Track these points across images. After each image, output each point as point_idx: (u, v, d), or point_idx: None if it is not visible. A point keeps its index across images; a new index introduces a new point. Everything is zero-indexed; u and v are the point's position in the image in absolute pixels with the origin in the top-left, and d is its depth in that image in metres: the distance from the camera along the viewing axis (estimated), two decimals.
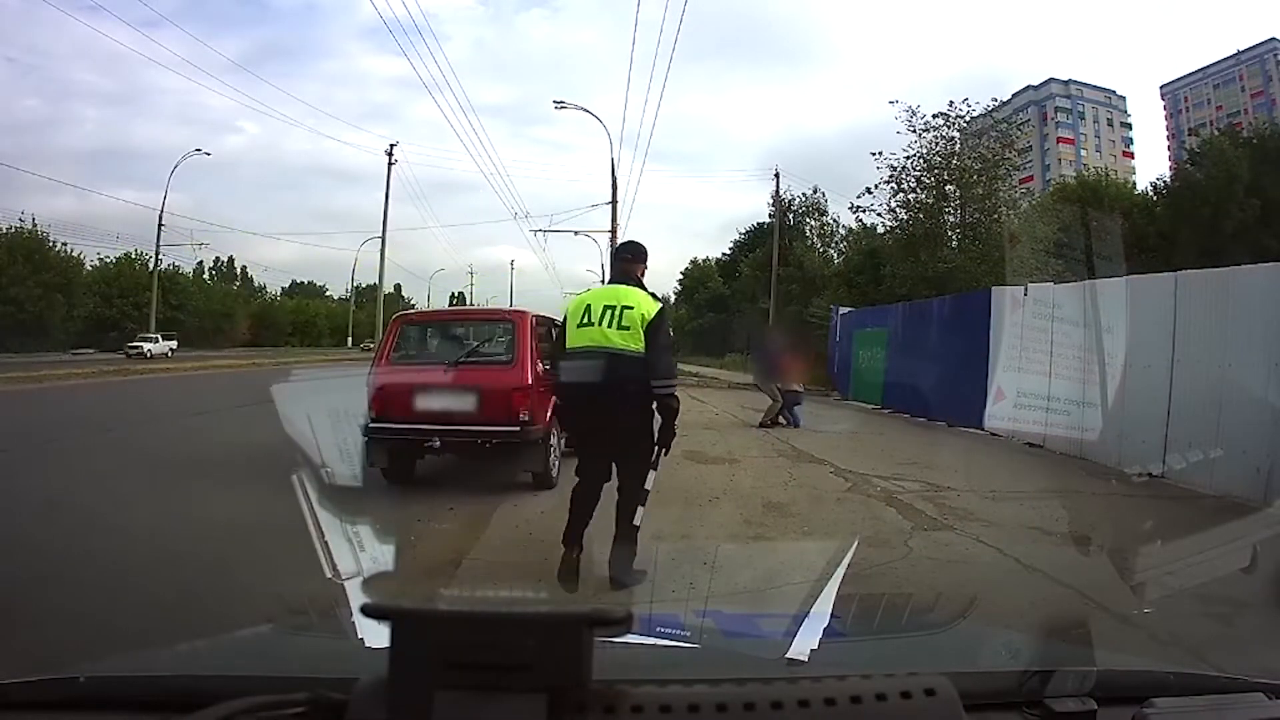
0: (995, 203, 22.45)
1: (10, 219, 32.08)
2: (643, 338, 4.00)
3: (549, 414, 7.00)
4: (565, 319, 4.34)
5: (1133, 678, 1.29)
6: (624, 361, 3.98)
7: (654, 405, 4.05)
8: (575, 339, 4.15)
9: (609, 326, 4.04)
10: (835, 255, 34.08)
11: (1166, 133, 60.94)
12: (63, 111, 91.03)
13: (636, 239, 4.95)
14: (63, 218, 62.10)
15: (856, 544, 3.94)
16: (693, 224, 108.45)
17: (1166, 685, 1.20)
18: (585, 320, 4.13)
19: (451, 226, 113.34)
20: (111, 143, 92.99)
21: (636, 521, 4.00)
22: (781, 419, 11.79)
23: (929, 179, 23.03)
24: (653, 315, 4.05)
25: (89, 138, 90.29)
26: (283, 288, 67.68)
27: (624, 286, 4.22)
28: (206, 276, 54.87)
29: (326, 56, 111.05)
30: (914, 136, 22.91)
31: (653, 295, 4.25)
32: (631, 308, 4.06)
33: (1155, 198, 31.55)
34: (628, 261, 4.38)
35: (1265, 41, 55.74)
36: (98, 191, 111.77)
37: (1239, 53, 57.42)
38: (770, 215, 36.64)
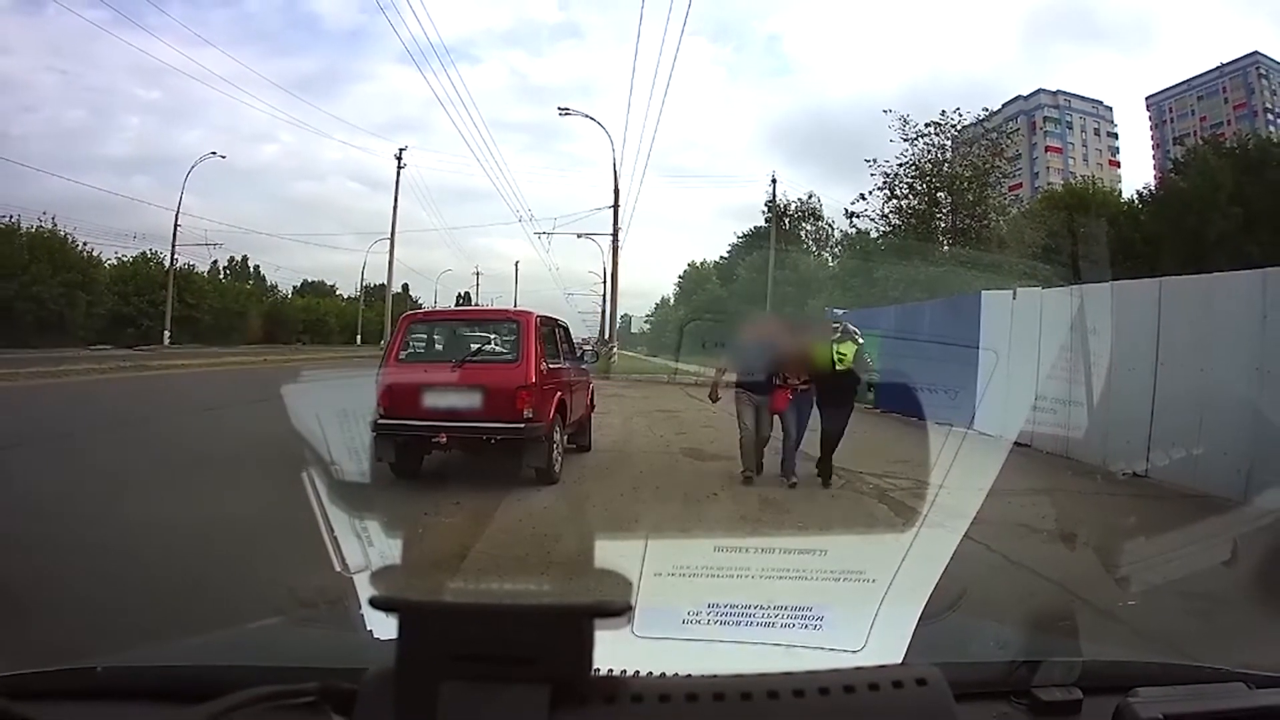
0: (985, 209, 22.77)
1: (34, 218, 31.99)
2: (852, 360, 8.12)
3: (552, 411, 7.13)
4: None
5: (1117, 668, 1.33)
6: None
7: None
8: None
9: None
10: (830, 258, 34.42)
11: (1152, 143, 61.36)
12: (106, 121, 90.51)
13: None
14: (84, 217, 62.41)
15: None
16: (693, 224, 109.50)
17: (1150, 675, 1.22)
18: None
19: (459, 229, 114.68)
20: (144, 149, 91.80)
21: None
22: None
23: (921, 186, 23.33)
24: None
25: (128, 143, 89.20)
26: (294, 287, 67.15)
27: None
28: (221, 276, 54.59)
29: (358, 78, 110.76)
30: (905, 145, 23.25)
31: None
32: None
33: (1140, 205, 31.88)
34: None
35: (1248, 55, 56.29)
36: (124, 195, 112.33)
37: (1222, 66, 57.91)
38: (766, 219, 36.98)
